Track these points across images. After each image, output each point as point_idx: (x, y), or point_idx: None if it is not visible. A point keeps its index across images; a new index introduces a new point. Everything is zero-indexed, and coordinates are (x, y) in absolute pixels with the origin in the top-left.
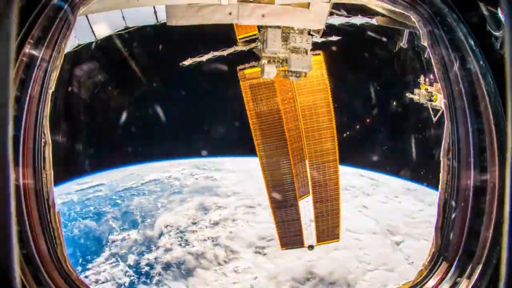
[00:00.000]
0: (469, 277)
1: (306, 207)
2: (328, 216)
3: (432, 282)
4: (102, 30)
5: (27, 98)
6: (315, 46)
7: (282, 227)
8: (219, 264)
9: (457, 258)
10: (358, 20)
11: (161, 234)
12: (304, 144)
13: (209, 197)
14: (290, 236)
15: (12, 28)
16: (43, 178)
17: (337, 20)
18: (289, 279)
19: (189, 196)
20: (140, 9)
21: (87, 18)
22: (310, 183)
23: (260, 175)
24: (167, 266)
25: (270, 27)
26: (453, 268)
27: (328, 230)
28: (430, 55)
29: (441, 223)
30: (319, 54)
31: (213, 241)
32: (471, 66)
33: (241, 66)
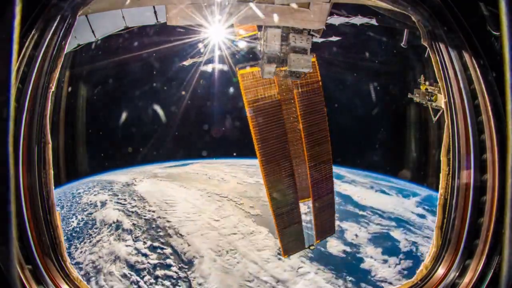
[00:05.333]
0: (469, 277)
1: (305, 207)
2: (325, 211)
3: (432, 281)
4: (102, 30)
5: (27, 98)
6: (315, 47)
7: (284, 233)
8: None
9: (457, 258)
10: (358, 20)
11: None
12: (303, 145)
13: None
14: (291, 241)
15: (12, 28)
16: (43, 178)
17: (337, 20)
18: None
19: None
20: (140, 9)
21: (87, 18)
22: (310, 184)
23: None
24: None
25: (270, 27)
26: (453, 268)
27: (326, 226)
28: (430, 55)
29: (441, 222)
30: (312, 56)
31: None
32: (471, 66)
33: (241, 65)
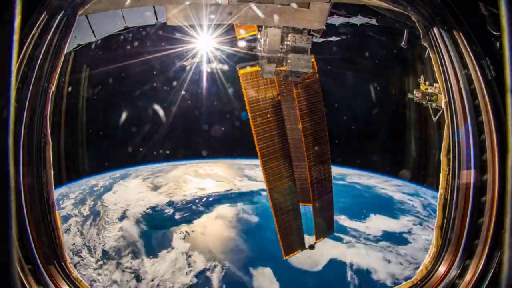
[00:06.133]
0: (469, 277)
1: (305, 207)
2: (324, 211)
3: (432, 282)
4: (102, 30)
5: (27, 98)
6: (315, 47)
7: (285, 234)
8: None
9: (457, 258)
10: (358, 20)
11: None
12: (303, 145)
13: None
14: (292, 242)
15: (12, 28)
16: (43, 178)
17: (337, 20)
18: None
19: None
20: (140, 9)
21: (87, 18)
22: (309, 184)
23: None
24: None
25: (270, 27)
26: (453, 268)
27: (325, 225)
28: (430, 55)
29: (441, 222)
30: (312, 56)
31: None
32: (471, 66)
33: (242, 65)
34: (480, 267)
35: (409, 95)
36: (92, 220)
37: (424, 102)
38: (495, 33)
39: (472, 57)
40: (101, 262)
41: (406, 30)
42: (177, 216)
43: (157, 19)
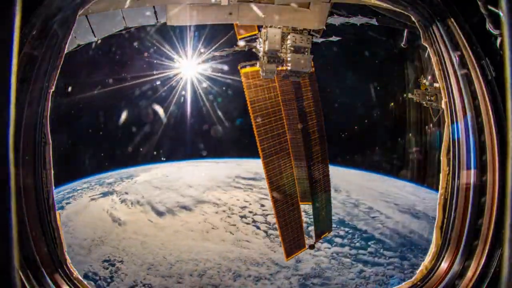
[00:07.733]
0: (469, 277)
1: (305, 206)
2: (323, 210)
3: (432, 282)
4: (102, 30)
5: (27, 98)
6: (315, 47)
7: (286, 235)
8: None
9: (457, 258)
10: (358, 20)
11: None
12: (303, 145)
13: None
14: (293, 242)
15: (12, 28)
16: (43, 178)
17: (337, 20)
18: None
19: None
20: (140, 9)
21: (87, 18)
22: (309, 183)
23: None
24: None
25: (270, 27)
26: (453, 268)
27: (324, 224)
28: (430, 55)
29: (441, 222)
30: (312, 56)
31: None
32: (471, 66)
33: (243, 64)
34: (480, 267)
35: (409, 95)
36: None
37: (424, 102)
38: (495, 32)
39: (472, 57)
40: None
41: (406, 30)
42: None
43: (157, 19)
